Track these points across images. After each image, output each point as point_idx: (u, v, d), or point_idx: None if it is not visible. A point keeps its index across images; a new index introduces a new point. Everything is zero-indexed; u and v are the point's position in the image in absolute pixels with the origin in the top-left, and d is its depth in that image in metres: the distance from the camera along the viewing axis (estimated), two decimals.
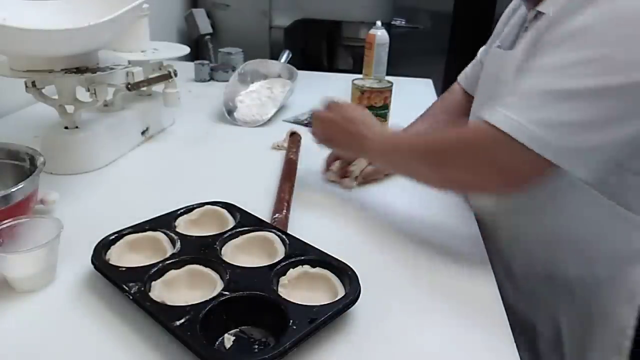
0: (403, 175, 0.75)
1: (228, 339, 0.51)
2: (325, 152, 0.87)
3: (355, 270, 0.58)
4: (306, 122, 1.18)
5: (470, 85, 0.97)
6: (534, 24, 0.68)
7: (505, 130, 0.57)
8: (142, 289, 0.55)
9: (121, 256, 0.61)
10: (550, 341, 0.75)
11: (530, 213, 0.74)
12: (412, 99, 1.28)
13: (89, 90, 0.84)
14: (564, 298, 0.72)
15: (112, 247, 0.62)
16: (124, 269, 0.58)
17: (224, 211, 0.71)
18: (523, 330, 0.75)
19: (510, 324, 0.71)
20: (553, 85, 0.57)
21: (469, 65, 1.01)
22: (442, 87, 2.10)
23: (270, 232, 0.66)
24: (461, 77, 1.02)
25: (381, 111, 1.09)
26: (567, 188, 0.67)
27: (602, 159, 0.59)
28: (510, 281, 0.76)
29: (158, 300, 0.53)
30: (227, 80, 1.30)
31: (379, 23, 1.31)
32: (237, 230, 0.66)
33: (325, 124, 0.81)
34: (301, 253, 0.61)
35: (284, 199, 0.78)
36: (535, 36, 0.65)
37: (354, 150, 0.80)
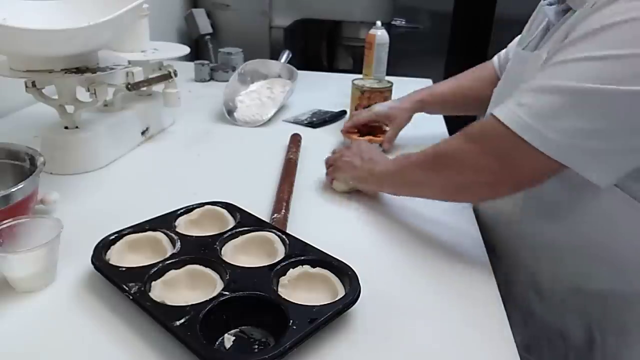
0: (414, 195, 0.75)
1: (228, 339, 0.51)
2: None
3: (355, 270, 0.58)
4: (306, 122, 1.18)
5: (501, 70, 0.95)
6: (562, 21, 0.66)
7: (511, 126, 0.57)
8: (142, 289, 0.55)
9: (121, 256, 0.61)
10: (582, 352, 0.72)
11: (557, 220, 0.70)
12: None
13: (89, 90, 0.84)
14: (596, 309, 0.69)
15: (112, 247, 0.62)
16: (124, 269, 0.58)
17: (224, 211, 0.71)
18: (552, 340, 0.73)
19: (536, 334, 0.70)
20: (562, 82, 0.56)
21: (504, 51, 0.99)
22: None
23: (270, 232, 0.66)
24: (495, 59, 1.00)
25: None
26: (595, 194, 0.63)
27: (617, 166, 0.57)
28: (536, 291, 0.74)
29: (158, 300, 0.53)
30: (227, 80, 1.29)
31: (379, 23, 1.30)
32: (237, 230, 0.66)
33: (342, 158, 0.83)
34: (301, 253, 0.61)
35: (282, 199, 0.78)
36: (562, 34, 0.63)
37: (363, 177, 0.80)
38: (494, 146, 0.61)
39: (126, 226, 0.65)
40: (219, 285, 0.56)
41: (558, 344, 0.74)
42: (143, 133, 1.01)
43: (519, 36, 0.92)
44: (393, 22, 2.11)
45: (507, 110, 0.59)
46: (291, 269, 0.59)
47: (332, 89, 1.41)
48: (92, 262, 0.59)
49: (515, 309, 0.71)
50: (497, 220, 0.78)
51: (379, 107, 1.02)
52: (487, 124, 0.61)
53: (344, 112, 1.22)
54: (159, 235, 0.64)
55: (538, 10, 0.81)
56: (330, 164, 0.85)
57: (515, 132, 0.57)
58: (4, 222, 0.58)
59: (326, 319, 0.51)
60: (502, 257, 0.72)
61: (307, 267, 0.59)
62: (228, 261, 0.60)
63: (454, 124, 1.04)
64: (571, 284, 0.71)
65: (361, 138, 1.01)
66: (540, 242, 0.73)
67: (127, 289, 0.54)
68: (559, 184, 0.63)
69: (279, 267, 0.59)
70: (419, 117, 1.03)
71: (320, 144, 1.04)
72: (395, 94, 1.11)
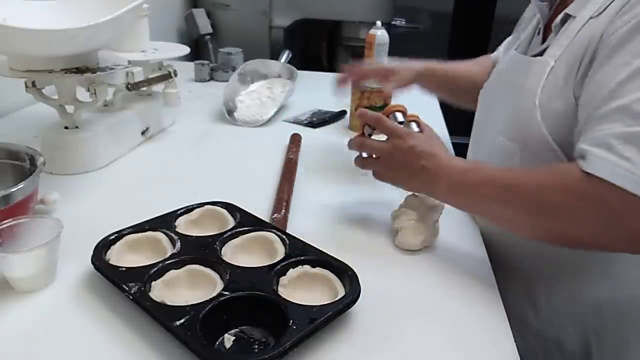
0: (482, 217, 0.69)
1: (228, 339, 0.51)
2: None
3: (355, 270, 0.58)
4: (306, 122, 1.18)
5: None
6: (563, 28, 0.65)
7: (627, 188, 0.50)
8: (142, 289, 0.55)
9: (121, 256, 0.61)
10: None
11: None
12: (412, 99, 1.28)
13: (89, 90, 0.84)
14: (592, 318, 0.69)
15: (112, 247, 0.62)
16: (124, 269, 0.58)
17: (224, 211, 0.71)
18: (548, 350, 0.73)
19: (532, 344, 0.69)
20: None
21: (502, 46, 0.98)
22: None
23: (270, 232, 0.66)
24: (494, 55, 0.99)
25: (381, 111, 1.09)
26: None
27: None
28: (530, 300, 0.73)
29: (158, 300, 0.53)
30: (227, 80, 1.29)
31: (379, 23, 1.30)
32: (237, 230, 0.66)
33: (383, 155, 0.68)
34: (301, 253, 0.61)
35: (282, 198, 0.78)
36: (582, 46, 0.60)
37: (417, 187, 0.67)
38: (606, 207, 0.53)
39: (126, 226, 0.65)
40: (219, 285, 0.56)
41: (554, 353, 0.73)
42: (143, 133, 1.01)
43: (511, 36, 0.92)
44: (393, 22, 2.11)
45: (611, 166, 0.52)
46: (291, 269, 0.59)
47: (332, 89, 1.41)
48: (92, 262, 0.59)
49: (509, 318, 0.72)
50: (493, 229, 0.75)
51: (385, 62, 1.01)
52: (589, 180, 0.53)
53: (344, 112, 1.22)
54: (159, 235, 0.64)
55: (529, 8, 0.82)
56: (375, 156, 0.69)
57: (631, 192, 0.50)
58: (4, 222, 0.58)
59: (326, 319, 0.51)
60: (497, 266, 0.70)
61: (307, 267, 0.59)
62: (228, 261, 0.60)
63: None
64: (566, 292, 0.71)
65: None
66: (537, 251, 0.71)
67: (127, 289, 0.54)
68: None
69: (279, 267, 0.59)
70: (414, 101, 0.98)
71: (320, 144, 1.04)
72: (395, 94, 1.11)
